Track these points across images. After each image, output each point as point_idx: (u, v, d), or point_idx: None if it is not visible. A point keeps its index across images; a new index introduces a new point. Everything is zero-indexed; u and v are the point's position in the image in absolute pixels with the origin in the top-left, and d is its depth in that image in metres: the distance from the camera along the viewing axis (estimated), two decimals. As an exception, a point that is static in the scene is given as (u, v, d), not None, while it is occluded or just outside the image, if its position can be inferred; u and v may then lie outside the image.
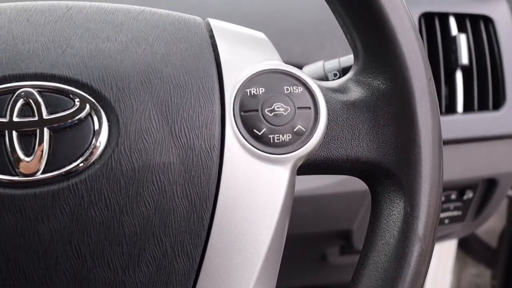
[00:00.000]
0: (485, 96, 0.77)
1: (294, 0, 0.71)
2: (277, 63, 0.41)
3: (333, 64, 0.55)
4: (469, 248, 1.44)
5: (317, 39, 0.70)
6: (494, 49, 0.78)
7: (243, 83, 0.40)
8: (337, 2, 0.41)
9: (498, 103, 0.77)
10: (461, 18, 0.80)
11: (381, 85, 0.41)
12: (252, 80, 0.40)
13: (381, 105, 0.41)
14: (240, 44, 0.42)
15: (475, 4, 0.81)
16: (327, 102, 0.41)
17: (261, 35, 0.44)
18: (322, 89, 0.42)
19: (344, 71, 0.54)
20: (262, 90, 0.40)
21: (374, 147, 0.41)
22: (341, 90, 0.43)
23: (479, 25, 0.80)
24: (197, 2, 0.69)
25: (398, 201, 0.40)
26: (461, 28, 0.79)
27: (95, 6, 0.41)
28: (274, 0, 0.71)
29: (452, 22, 0.79)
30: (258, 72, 0.40)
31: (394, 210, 0.40)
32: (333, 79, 0.54)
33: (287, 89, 0.40)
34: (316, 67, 0.56)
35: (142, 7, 0.43)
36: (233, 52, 0.41)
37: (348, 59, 0.55)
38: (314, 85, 0.41)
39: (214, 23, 0.43)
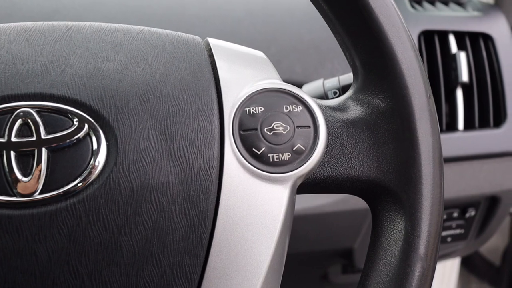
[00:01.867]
0: (485, 114, 0.76)
1: (294, 19, 0.71)
2: (276, 82, 0.41)
3: (332, 82, 0.55)
4: (472, 266, 1.43)
5: (317, 58, 0.70)
6: (494, 66, 0.78)
7: (242, 102, 0.40)
8: (336, 21, 0.42)
9: (499, 120, 0.77)
10: (460, 36, 0.80)
11: (381, 103, 0.41)
12: (251, 99, 0.40)
13: (381, 123, 0.41)
14: (239, 63, 0.42)
15: (474, 22, 0.81)
16: (326, 120, 0.41)
17: (260, 54, 0.44)
18: (322, 107, 0.42)
19: (343, 89, 0.54)
20: (261, 109, 0.40)
21: (374, 166, 0.41)
22: (340, 108, 0.43)
23: (478, 43, 0.80)
24: (198, 21, 0.69)
25: (399, 220, 0.39)
26: (461, 46, 0.79)
27: (95, 26, 0.42)
28: (275, 19, 0.71)
29: (452, 40, 0.79)
30: (257, 91, 0.40)
31: (395, 229, 0.39)
32: (333, 97, 0.54)
33: (286, 108, 0.40)
34: (316, 85, 0.56)
35: (142, 27, 0.43)
36: (232, 71, 0.41)
37: (347, 77, 0.55)
38: (313, 104, 0.41)
39: (213, 42, 0.43)
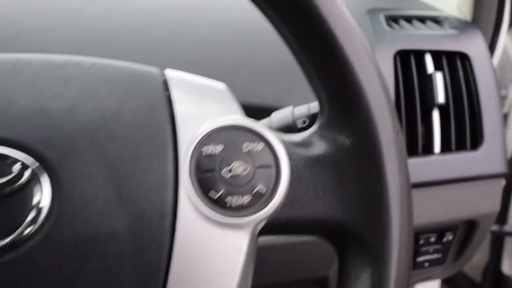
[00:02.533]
0: (462, 135, 0.75)
1: (266, 40, 0.69)
2: (236, 118, 0.39)
3: (302, 110, 0.53)
4: (453, 283, 1.41)
5: (290, 81, 0.68)
6: (471, 87, 0.77)
7: (199, 141, 0.37)
8: (298, 49, 0.40)
9: (476, 143, 0.75)
10: (437, 55, 0.78)
11: (346, 140, 0.39)
12: (210, 137, 0.38)
13: (347, 161, 0.39)
14: (198, 97, 0.40)
15: (451, 40, 0.80)
16: (290, 158, 0.39)
17: (221, 86, 0.42)
18: (285, 143, 0.40)
19: (313, 117, 0.52)
20: (220, 148, 0.37)
21: (339, 207, 0.38)
22: (305, 144, 0.41)
23: (455, 62, 0.79)
24: (163, 45, 0.67)
25: (365, 267, 0.37)
26: (438, 66, 0.78)
27: (44, 60, 0.39)
28: (245, 40, 0.69)
29: (428, 59, 0.77)
30: (216, 128, 0.38)
31: (361, 276, 0.37)
32: (302, 126, 0.52)
33: (247, 146, 0.38)
34: (284, 113, 0.54)
35: (95, 60, 0.40)
36: (189, 106, 0.39)
37: (317, 105, 0.53)
38: (275, 141, 0.38)
39: (170, 74, 0.41)
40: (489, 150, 0.74)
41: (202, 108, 0.39)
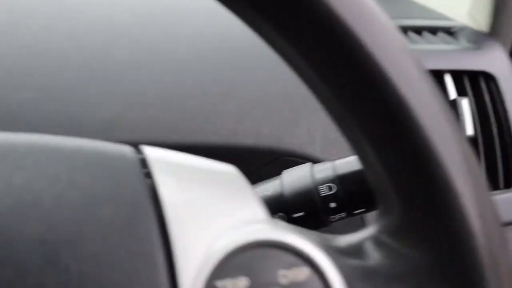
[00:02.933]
0: (494, 173, 0.62)
1: (258, 64, 0.54)
2: (261, 230, 0.24)
3: (325, 170, 0.39)
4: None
5: (289, 114, 0.53)
6: (500, 114, 0.64)
7: (211, 273, 0.23)
8: (353, 121, 0.25)
9: (509, 182, 0.62)
10: (457, 76, 0.65)
11: (422, 255, 0.26)
12: (226, 264, 0.23)
13: (421, 278, 0.25)
14: (197, 192, 0.25)
15: (471, 57, 0.67)
16: (340, 270, 0.25)
17: (228, 169, 0.27)
18: (331, 252, 0.26)
19: (341, 181, 0.38)
20: (243, 281, 0.23)
21: None
22: (355, 252, 0.27)
23: (479, 84, 0.66)
24: (130, 70, 0.51)
25: None
26: (459, 88, 0.65)
27: None
28: (233, 65, 0.54)
29: (449, 81, 0.64)
30: (233, 251, 0.23)
31: None
32: (327, 194, 0.38)
33: (285, 276, 0.23)
34: (300, 175, 0.39)
35: (44, 144, 0.26)
36: (186, 208, 0.24)
37: (345, 163, 0.39)
38: (327, 265, 0.24)
39: (151, 156, 0.26)
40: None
41: (207, 214, 0.25)
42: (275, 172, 0.54)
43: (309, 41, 0.24)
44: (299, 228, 0.28)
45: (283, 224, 0.27)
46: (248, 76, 0.53)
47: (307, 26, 0.23)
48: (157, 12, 0.56)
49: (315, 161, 0.54)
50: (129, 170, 0.25)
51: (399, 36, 0.25)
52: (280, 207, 0.39)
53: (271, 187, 0.40)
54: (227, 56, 0.54)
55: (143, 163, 0.26)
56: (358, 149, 0.26)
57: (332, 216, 0.39)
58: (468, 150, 0.25)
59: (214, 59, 0.54)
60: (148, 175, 0.25)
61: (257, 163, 0.52)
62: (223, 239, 0.24)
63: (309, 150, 0.53)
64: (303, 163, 0.54)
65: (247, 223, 0.25)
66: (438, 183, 0.24)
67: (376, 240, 0.28)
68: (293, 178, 0.39)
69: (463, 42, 0.71)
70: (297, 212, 0.38)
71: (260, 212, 0.26)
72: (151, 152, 0.27)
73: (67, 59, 0.49)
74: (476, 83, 0.66)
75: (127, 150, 0.26)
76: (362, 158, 0.26)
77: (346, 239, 0.28)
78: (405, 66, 0.24)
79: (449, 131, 0.24)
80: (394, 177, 0.25)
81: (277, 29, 0.24)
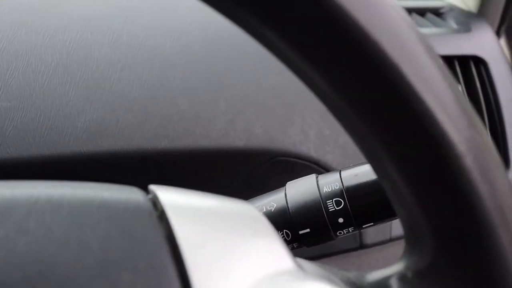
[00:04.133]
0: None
1: (248, 60, 0.51)
2: (291, 282, 0.22)
3: (331, 184, 0.36)
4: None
5: (282, 112, 0.51)
6: (490, 100, 0.63)
7: None
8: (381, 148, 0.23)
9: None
10: (448, 61, 0.64)
11: None
12: None
13: None
14: (222, 247, 0.23)
15: (461, 40, 0.65)
16: None
17: (246, 209, 0.25)
18: None
19: (350, 195, 0.36)
20: None
21: None
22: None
23: (469, 69, 0.64)
24: (112, 68, 0.47)
25: None
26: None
27: None
28: (222, 61, 0.51)
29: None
30: None
31: None
32: (335, 210, 0.36)
33: None
34: (306, 187, 0.37)
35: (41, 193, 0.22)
36: (212, 272, 0.22)
37: (353, 176, 0.36)
38: None
39: (165, 201, 0.23)
40: (516, 178, 0.61)
41: (232, 264, 0.22)
42: (270, 172, 0.52)
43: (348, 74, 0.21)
44: (325, 268, 0.26)
45: (309, 268, 0.25)
46: (238, 76, 0.50)
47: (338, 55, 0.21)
48: (140, 10, 0.52)
49: (309, 160, 0.52)
50: (144, 223, 0.22)
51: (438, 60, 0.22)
52: (286, 224, 0.37)
53: (274, 201, 0.37)
54: (215, 55, 0.51)
55: (155, 206, 0.23)
56: (390, 186, 0.24)
57: (339, 231, 0.37)
58: (510, 191, 0.23)
59: (202, 58, 0.50)
60: (162, 219, 0.23)
61: (250, 165, 0.50)
62: None
63: (303, 148, 0.51)
64: (297, 163, 0.52)
65: (277, 275, 0.23)
66: (480, 228, 0.22)
67: (403, 277, 0.26)
68: (299, 192, 0.37)
69: (452, 24, 0.69)
70: (304, 229, 0.36)
71: (287, 259, 0.23)
72: (164, 195, 0.24)
73: (43, 61, 0.45)
74: (467, 67, 0.64)
75: (138, 197, 0.23)
76: (394, 195, 0.24)
77: (372, 277, 0.27)
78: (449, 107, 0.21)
79: (493, 171, 0.22)
80: (432, 219, 0.23)
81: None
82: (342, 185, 0.36)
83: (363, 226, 0.37)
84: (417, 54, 0.21)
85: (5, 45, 0.45)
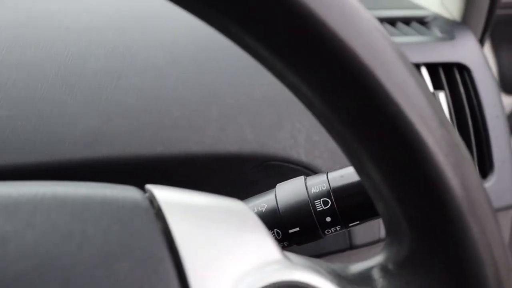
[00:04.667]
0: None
1: (239, 68, 0.53)
2: (280, 270, 0.24)
3: (319, 185, 0.38)
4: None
5: (272, 118, 0.53)
6: (474, 105, 0.65)
7: None
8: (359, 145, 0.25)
9: (485, 173, 0.64)
10: (432, 68, 0.66)
11: (433, 285, 0.26)
12: None
13: None
14: (215, 239, 0.25)
15: (445, 48, 0.68)
16: None
17: (238, 205, 0.27)
18: (340, 282, 0.26)
19: (336, 195, 0.38)
20: None
21: None
22: (362, 280, 0.28)
23: (453, 76, 0.66)
24: (107, 76, 0.49)
25: None
26: (434, 80, 0.65)
27: None
28: (215, 70, 0.53)
29: (425, 74, 0.65)
30: None
31: None
32: (323, 209, 0.38)
33: None
34: (294, 188, 0.39)
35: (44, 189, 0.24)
36: (206, 261, 0.24)
37: (339, 177, 0.38)
38: None
39: (161, 198, 0.25)
40: (500, 181, 0.63)
41: (225, 255, 0.24)
42: (261, 176, 0.54)
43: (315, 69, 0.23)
44: (311, 260, 0.28)
45: (296, 259, 0.27)
46: (229, 82, 0.52)
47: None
48: (133, 19, 0.54)
49: (299, 164, 0.54)
50: (142, 219, 0.24)
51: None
52: (276, 223, 0.38)
53: (265, 202, 0.39)
54: (206, 62, 0.53)
55: (152, 203, 0.25)
56: (369, 183, 0.26)
57: (327, 230, 0.39)
58: (479, 185, 0.25)
59: (193, 68, 0.52)
60: (159, 215, 0.25)
61: (242, 169, 0.52)
62: (244, 283, 0.24)
63: (293, 153, 0.53)
64: (288, 167, 0.54)
65: (265, 264, 0.25)
66: (452, 218, 0.24)
67: (383, 268, 0.28)
68: (288, 193, 0.38)
69: (436, 32, 0.71)
70: (293, 228, 0.38)
71: (275, 251, 0.25)
72: (160, 193, 0.26)
73: (41, 71, 0.47)
74: (451, 75, 0.67)
75: (136, 195, 0.25)
76: (373, 191, 0.26)
77: (355, 268, 0.29)
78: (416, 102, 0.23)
79: (463, 167, 0.24)
80: (408, 211, 0.25)
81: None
82: (329, 186, 0.38)
83: (350, 225, 0.39)
84: (391, 61, 0.23)
85: (5, 56, 0.47)
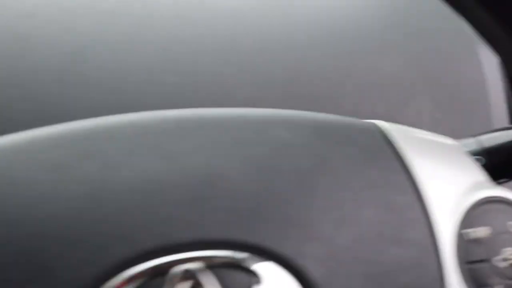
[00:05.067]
0: None
1: (366, 46, 0.59)
2: (494, 188, 0.30)
3: (469, 146, 0.43)
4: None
5: (400, 95, 0.58)
6: None
7: (461, 222, 0.28)
8: None
9: None
10: None
11: None
12: (470, 216, 0.29)
13: None
14: (435, 158, 0.30)
15: None
16: None
17: (452, 142, 0.32)
18: None
19: (489, 154, 0.42)
20: (487, 231, 0.28)
21: None
22: None
23: None
24: (212, 57, 0.55)
25: None
26: None
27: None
28: (345, 48, 0.58)
29: None
30: (475, 203, 0.29)
31: None
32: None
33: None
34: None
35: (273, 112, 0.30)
36: (430, 170, 0.29)
37: (491, 138, 0.43)
38: None
39: (386, 126, 0.31)
40: None
41: (446, 173, 0.30)
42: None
43: None
44: None
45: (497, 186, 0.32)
46: (361, 59, 0.58)
47: None
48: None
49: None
50: (374, 139, 0.30)
51: None
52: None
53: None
54: (339, 40, 0.58)
55: (382, 132, 0.31)
56: None
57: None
58: None
59: (329, 42, 0.58)
60: (389, 143, 0.30)
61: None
62: (464, 197, 0.29)
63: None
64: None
65: (479, 184, 0.30)
66: None
67: None
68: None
69: None
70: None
71: (484, 176, 0.31)
72: (384, 124, 0.31)
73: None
74: None
75: (362, 121, 0.31)
76: None
77: None
78: None
79: None
80: None
81: None
82: (480, 145, 0.43)
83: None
84: None
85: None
